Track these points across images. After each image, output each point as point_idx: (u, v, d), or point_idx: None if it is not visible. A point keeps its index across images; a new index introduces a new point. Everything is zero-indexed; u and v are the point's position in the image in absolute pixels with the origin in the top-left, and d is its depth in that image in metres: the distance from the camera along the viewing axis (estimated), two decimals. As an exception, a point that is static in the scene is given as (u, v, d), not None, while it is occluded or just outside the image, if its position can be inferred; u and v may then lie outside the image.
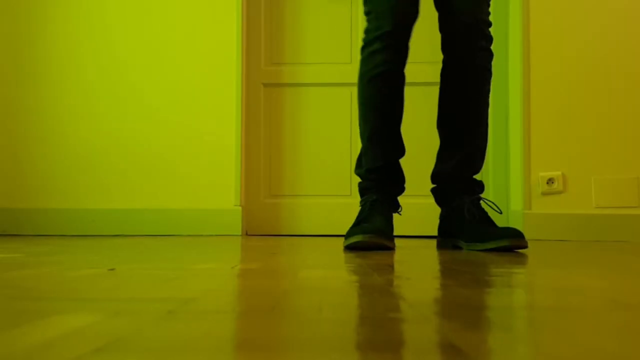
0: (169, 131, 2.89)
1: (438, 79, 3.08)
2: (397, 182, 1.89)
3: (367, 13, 1.84)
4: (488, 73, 1.85)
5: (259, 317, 0.57)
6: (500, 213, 1.94)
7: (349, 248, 1.65)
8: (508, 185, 2.94)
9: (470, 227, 1.73)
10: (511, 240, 1.62)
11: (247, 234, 2.93)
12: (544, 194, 2.78)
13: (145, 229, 2.85)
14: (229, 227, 2.84)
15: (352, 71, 2.93)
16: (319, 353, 0.42)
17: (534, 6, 2.82)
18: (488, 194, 2.93)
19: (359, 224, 1.72)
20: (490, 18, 2.94)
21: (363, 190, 1.88)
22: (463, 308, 0.63)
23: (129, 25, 2.93)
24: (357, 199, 3.01)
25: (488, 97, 1.87)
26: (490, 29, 2.97)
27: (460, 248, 1.76)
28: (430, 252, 1.65)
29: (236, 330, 0.50)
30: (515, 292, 0.77)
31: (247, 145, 2.98)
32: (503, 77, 2.97)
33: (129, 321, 0.54)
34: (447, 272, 1.04)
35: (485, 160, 2.91)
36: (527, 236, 2.70)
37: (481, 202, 1.82)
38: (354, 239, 1.62)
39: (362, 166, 1.88)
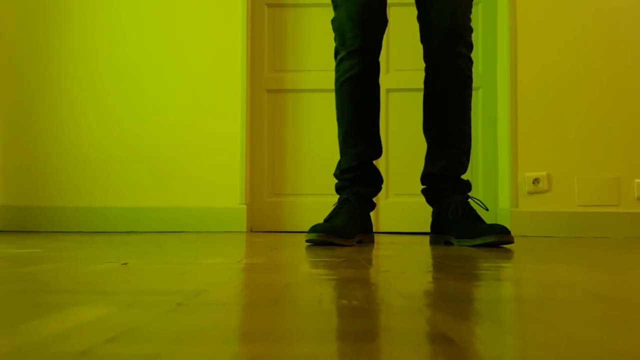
0: (178, 134, 2.89)
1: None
2: (370, 183, 1.85)
3: (332, 21, 1.83)
4: (469, 79, 1.83)
5: (263, 309, 0.56)
6: (487, 210, 1.93)
7: (308, 242, 1.65)
8: (496, 185, 2.94)
9: (459, 225, 1.73)
10: (498, 236, 1.62)
11: (251, 231, 2.93)
12: (530, 193, 2.78)
13: (156, 226, 2.85)
14: (234, 224, 2.84)
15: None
16: (318, 343, 0.42)
17: (520, 16, 2.82)
18: (478, 193, 2.93)
19: (322, 222, 1.71)
20: (480, 26, 2.96)
21: (337, 190, 1.87)
22: (454, 300, 0.62)
23: (141, 34, 2.93)
24: (355, 197, 3.01)
25: (470, 101, 1.85)
26: (482, 36, 2.95)
27: (451, 244, 1.76)
28: (423, 248, 1.65)
29: (241, 322, 0.50)
30: (504, 285, 0.77)
31: (251, 148, 2.98)
32: (492, 83, 2.97)
33: (140, 312, 0.54)
34: (439, 266, 1.04)
35: (475, 162, 2.94)
36: (514, 233, 2.71)
37: (469, 200, 1.82)
38: (308, 236, 1.64)
39: (338, 168, 1.88)
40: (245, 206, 2.85)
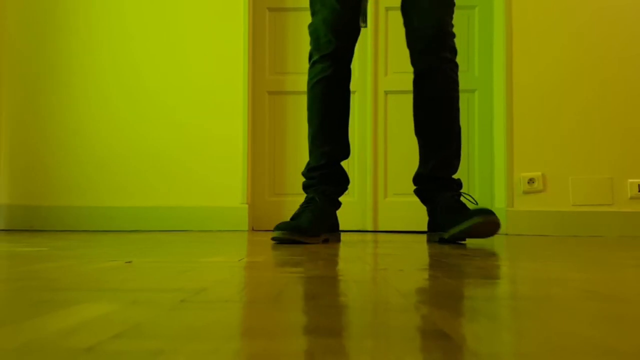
0: (182, 135, 2.89)
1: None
2: (337, 182, 1.86)
3: (308, 26, 1.86)
4: (455, 82, 1.83)
5: (264, 306, 0.57)
6: (477, 204, 1.93)
7: (272, 239, 1.65)
8: (492, 185, 2.94)
9: (448, 216, 1.73)
10: (484, 217, 1.62)
11: (252, 230, 2.93)
12: (526, 192, 2.78)
13: (159, 224, 2.85)
14: (236, 223, 2.84)
15: (352, 80, 2.93)
16: (317, 339, 0.42)
17: (516, 21, 2.82)
18: (474, 192, 2.93)
19: (288, 220, 1.72)
20: (477, 30, 2.96)
21: (305, 188, 1.88)
22: (451, 298, 0.62)
23: (146, 37, 2.93)
24: (354, 197, 3.02)
25: (457, 103, 1.85)
26: (478, 40, 2.96)
27: (445, 240, 1.76)
28: (420, 246, 1.65)
29: (243, 318, 0.50)
30: (500, 283, 0.77)
31: (253, 148, 2.98)
32: (488, 85, 2.97)
33: (144, 309, 0.54)
34: (436, 264, 1.04)
35: (471, 162, 2.94)
36: (509, 232, 2.71)
37: (461, 197, 1.83)
38: (273, 234, 1.65)
39: (307, 166, 1.89)
40: (247, 205, 2.85)
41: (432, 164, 1.83)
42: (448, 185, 1.82)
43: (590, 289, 0.71)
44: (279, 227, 1.64)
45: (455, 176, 1.87)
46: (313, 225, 1.69)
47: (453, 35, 1.82)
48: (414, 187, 1.90)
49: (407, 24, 1.85)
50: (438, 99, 1.83)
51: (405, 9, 1.85)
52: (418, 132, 1.88)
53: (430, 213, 1.85)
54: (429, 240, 1.86)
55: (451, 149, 1.84)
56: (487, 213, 1.63)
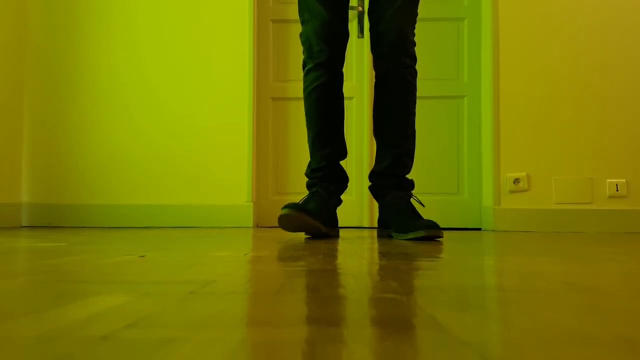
0: (191, 138, 2.89)
1: (435, 93, 3.08)
2: (338, 181, 1.86)
3: (300, 35, 1.85)
4: (413, 87, 1.84)
5: (267, 297, 0.56)
6: (424, 206, 1.92)
7: (280, 217, 1.65)
8: (481, 185, 2.94)
9: (397, 219, 1.73)
10: (427, 231, 1.62)
11: (257, 226, 2.93)
12: (511, 192, 2.78)
13: (171, 221, 2.85)
14: (242, 220, 2.84)
15: (350, 87, 2.93)
16: (318, 328, 0.42)
17: (503, 31, 2.82)
18: (463, 192, 2.93)
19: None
20: (466, 40, 2.96)
21: (308, 187, 1.87)
22: (442, 290, 0.62)
23: (160, 48, 2.93)
24: (352, 195, 3.01)
25: (414, 107, 1.86)
26: (467, 49, 2.96)
27: (392, 237, 1.77)
28: (415, 243, 1.64)
29: (248, 309, 0.50)
30: (487, 276, 0.77)
31: (257, 150, 2.98)
32: (476, 92, 2.97)
33: (156, 301, 0.54)
34: (428, 259, 1.04)
35: (460, 163, 2.94)
36: (496, 228, 2.71)
37: (411, 198, 1.83)
38: (281, 212, 1.64)
39: (309, 168, 1.89)
40: (252, 203, 2.85)
41: (387, 162, 1.83)
42: (400, 184, 1.83)
43: (572, 281, 0.71)
44: (287, 207, 1.65)
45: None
46: (317, 211, 1.72)
47: (413, 44, 1.82)
48: (369, 184, 1.90)
49: (371, 28, 1.84)
50: (395, 101, 1.83)
51: (371, 15, 1.84)
52: (376, 132, 1.88)
53: (380, 209, 1.85)
54: (378, 236, 1.87)
55: (405, 148, 1.84)
56: (431, 227, 1.63)
